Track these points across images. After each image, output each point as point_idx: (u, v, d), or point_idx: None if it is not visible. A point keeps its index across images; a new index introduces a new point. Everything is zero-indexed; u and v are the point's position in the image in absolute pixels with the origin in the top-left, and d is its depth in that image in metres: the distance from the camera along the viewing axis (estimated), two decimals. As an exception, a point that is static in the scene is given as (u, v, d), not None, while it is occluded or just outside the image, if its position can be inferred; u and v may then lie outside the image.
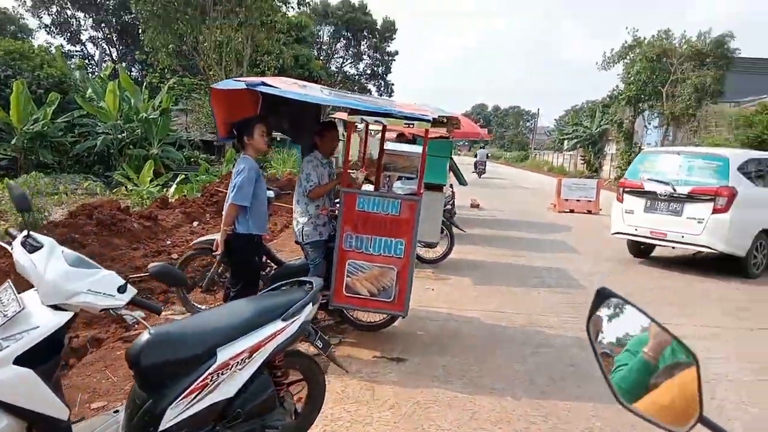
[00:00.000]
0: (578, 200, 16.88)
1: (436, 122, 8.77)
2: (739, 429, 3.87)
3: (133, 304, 2.50)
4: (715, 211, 8.46)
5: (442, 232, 8.10)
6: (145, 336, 2.64)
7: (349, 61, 47.77)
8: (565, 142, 42.69)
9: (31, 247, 2.39)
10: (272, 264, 5.37)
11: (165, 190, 14.88)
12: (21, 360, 2.18)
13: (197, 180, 15.80)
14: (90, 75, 26.19)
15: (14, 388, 2.18)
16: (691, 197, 8.71)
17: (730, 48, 26.45)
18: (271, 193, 5.37)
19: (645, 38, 28.51)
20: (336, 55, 47.26)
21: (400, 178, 6.94)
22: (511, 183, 31.14)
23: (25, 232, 2.47)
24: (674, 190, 8.85)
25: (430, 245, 8.13)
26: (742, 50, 27.37)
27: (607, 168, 35.45)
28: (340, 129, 6.40)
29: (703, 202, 8.59)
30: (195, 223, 11.10)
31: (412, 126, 4.53)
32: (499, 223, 13.66)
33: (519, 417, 3.87)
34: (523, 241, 11.25)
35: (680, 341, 1.20)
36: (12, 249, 2.45)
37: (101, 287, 2.36)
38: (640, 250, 10.12)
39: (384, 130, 5.79)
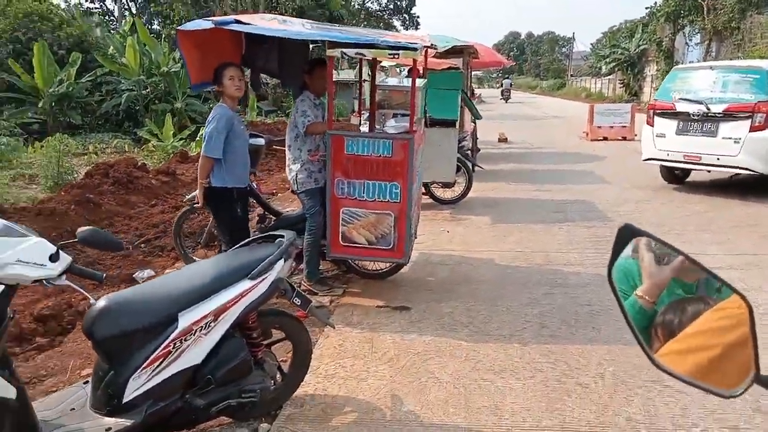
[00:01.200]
0: (612, 126, 16.08)
1: (449, 52, 8.33)
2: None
3: (71, 273, 2.31)
4: (753, 129, 7.84)
5: (458, 170, 7.74)
6: (97, 305, 2.49)
7: (370, -4, 46.21)
8: (603, 66, 40.69)
9: None
10: (270, 216, 5.18)
11: (190, 143, 14.82)
12: (-46, 339, 2.05)
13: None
14: (110, 32, 26.03)
15: None
16: (727, 115, 8.07)
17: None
18: (260, 140, 5.13)
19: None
20: (357, -9, 45.70)
21: (395, 116, 6.56)
22: (544, 113, 30.04)
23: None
24: (708, 108, 8.22)
25: (447, 185, 7.81)
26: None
27: (647, 90, 33.79)
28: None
29: (739, 119, 7.96)
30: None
31: (397, 56, 4.15)
32: (527, 157, 13.14)
33: (525, 364, 3.64)
34: (550, 174, 10.78)
35: (723, 281, 0.99)
36: None
37: (30, 256, 2.18)
38: (675, 176, 9.54)
39: (374, 62, 5.39)
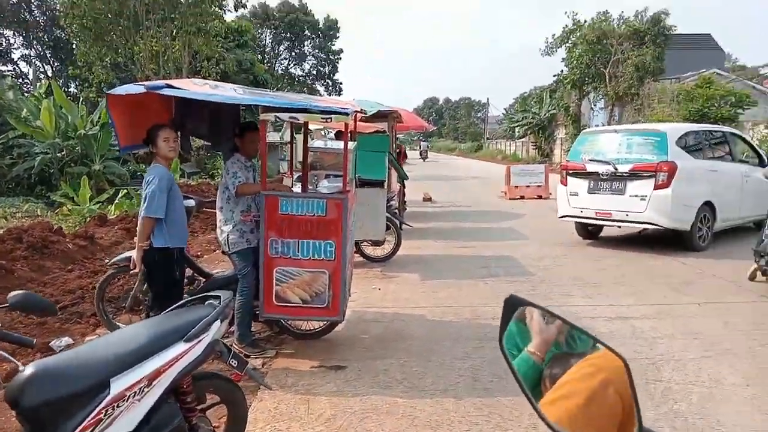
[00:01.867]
0: (528, 186, 16.97)
1: (375, 116, 8.64)
2: (686, 411, 3.78)
3: (-2, 338, 2.21)
4: (656, 187, 8.50)
5: (387, 228, 7.91)
6: (25, 373, 2.36)
7: (294, 62, 47.24)
8: (516, 129, 43.08)
9: None
10: (200, 277, 5.09)
11: (108, 206, 14.31)
12: None
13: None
14: (24, 94, 25.11)
15: None
16: (633, 175, 8.74)
17: (666, 25, 27.10)
18: (191, 202, 5.09)
19: (585, 20, 29.00)
20: (280, 57, 46.69)
21: (328, 177, 6.71)
22: (464, 174, 31.23)
23: None
24: (615, 169, 8.87)
25: (377, 243, 7.94)
26: (678, 27, 28.11)
27: (558, 152, 35.95)
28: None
29: (644, 179, 8.62)
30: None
31: (329, 120, 4.30)
32: (451, 215, 13.58)
33: (461, 419, 3.70)
34: (473, 231, 11.17)
35: (596, 338, 1.06)
36: None
37: None
38: (589, 231, 10.13)
39: (306, 126, 5.54)
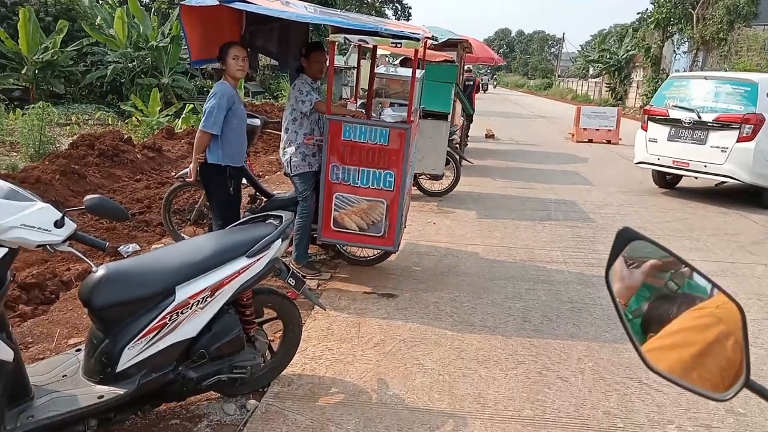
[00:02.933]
0: (597, 129, 16.27)
1: (443, 44, 8.37)
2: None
3: (73, 239, 2.32)
4: (740, 139, 8.09)
5: (447, 163, 7.81)
6: (97, 274, 2.50)
7: (364, -17, 45.92)
8: (591, 68, 41.07)
9: None
10: (261, 197, 5.19)
11: (175, 120, 14.65)
12: (-45, 299, 2.05)
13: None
14: (99, 1, 25.50)
15: None
16: (717, 125, 8.33)
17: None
18: (256, 121, 5.13)
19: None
20: (351, -22, 45.38)
21: (392, 105, 6.58)
22: (530, 112, 30.26)
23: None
24: (699, 117, 8.47)
25: (435, 177, 7.87)
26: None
27: (632, 96, 34.21)
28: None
29: (728, 129, 8.20)
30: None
31: (399, 45, 4.17)
32: (513, 154, 13.26)
33: (508, 356, 3.73)
34: (535, 172, 10.90)
35: (714, 282, 1.00)
36: None
37: (36, 221, 2.18)
38: (666, 181, 9.79)
39: (374, 50, 5.40)
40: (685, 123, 8.64)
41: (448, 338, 3.92)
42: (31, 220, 2.18)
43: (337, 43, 4.27)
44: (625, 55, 35.05)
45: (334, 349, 3.68)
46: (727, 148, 8.18)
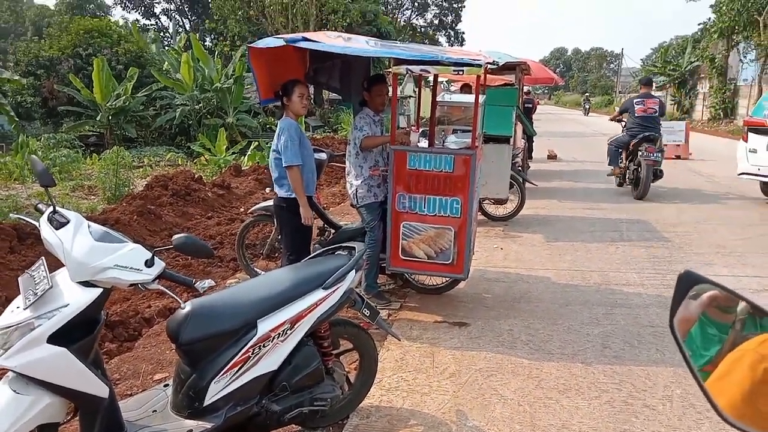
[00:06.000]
0: (666, 144, 15.69)
1: (501, 68, 8.35)
2: None
3: (162, 278, 2.43)
4: None
5: (511, 186, 7.72)
6: (184, 310, 2.59)
7: (416, 13, 46.63)
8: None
9: (58, 223, 2.35)
10: (329, 228, 5.27)
11: (241, 157, 15.16)
12: (55, 338, 2.17)
13: (269, 146, 15.95)
14: (165, 47, 26.95)
15: (50, 366, 2.17)
16: None
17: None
18: (323, 155, 5.25)
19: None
20: (403, 8, 46.23)
21: (455, 132, 6.59)
22: (592, 130, 29.58)
23: (51, 208, 2.42)
24: None
25: (499, 201, 7.78)
26: None
27: (699, 108, 32.96)
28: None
29: None
30: (267, 190, 11.23)
31: (461, 73, 4.20)
32: (577, 174, 12.99)
33: (590, 384, 3.60)
34: (601, 191, 10.62)
35: None
36: (39, 225, 2.42)
37: (128, 261, 2.29)
38: None
39: (435, 79, 5.45)
40: None
41: (525, 367, 3.83)
42: (124, 261, 2.29)
43: (400, 73, 4.34)
44: (689, 67, 33.90)
45: (409, 380, 3.66)
46: None
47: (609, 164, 10.50)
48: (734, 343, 0.96)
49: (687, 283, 1.03)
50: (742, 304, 0.99)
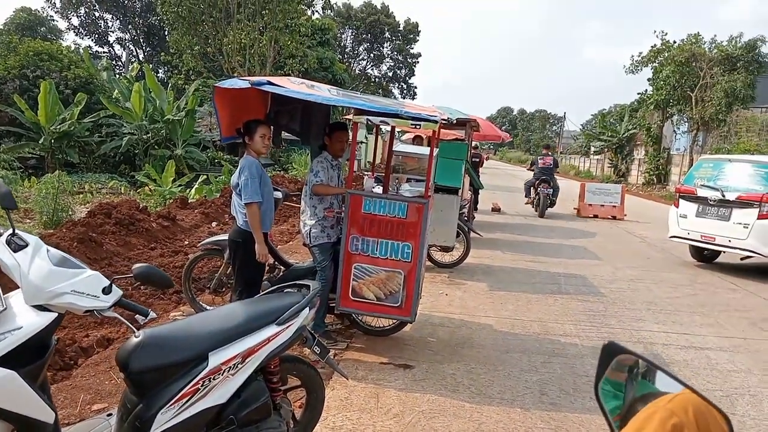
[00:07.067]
0: (602, 205, 16.53)
1: (453, 124, 8.71)
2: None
3: (119, 306, 2.43)
4: (760, 216, 8.70)
5: (458, 235, 7.96)
6: (134, 339, 2.58)
7: (371, 63, 47.83)
8: (592, 146, 42.00)
9: (17, 246, 2.33)
10: (279, 266, 5.31)
11: (187, 190, 14.98)
12: (4, 361, 2.13)
13: (217, 181, 15.86)
14: (117, 76, 26.58)
15: None
16: (739, 203, 8.95)
17: (761, 52, 25.78)
18: (278, 194, 5.31)
19: (674, 41, 28.01)
20: (359, 58, 47.37)
21: (409, 181, 6.83)
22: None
23: (10, 231, 2.40)
24: (723, 195, 9.15)
25: (446, 249, 8.00)
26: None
27: (634, 172, 34.82)
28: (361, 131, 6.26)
29: (749, 207, 8.83)
30: (213, 224, 11.14)
31: (419, 126, 4.41)
32: (520, 227, 13.44)
33: (527, 429, 3.73)
34: (543, 246, 11.03)
35: (709, 401, 0.96)
36: None
37: (85, 288, 2.29)
38: (704, 256, 10.30)
39: (392, 131, 5.68)
40: (711, 201, 9.34)
41: (467, 410, 3.92)
42: (81, 287, 2.29)
43: (360, 123, 4.51)
44: (626, 134, 35.93)
45: (354, 420, 3.69)
46: (748, 224, 8.79)
47: (525, 196, 16.77)
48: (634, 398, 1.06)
49: (610, 353, 1.12)
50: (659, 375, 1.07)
